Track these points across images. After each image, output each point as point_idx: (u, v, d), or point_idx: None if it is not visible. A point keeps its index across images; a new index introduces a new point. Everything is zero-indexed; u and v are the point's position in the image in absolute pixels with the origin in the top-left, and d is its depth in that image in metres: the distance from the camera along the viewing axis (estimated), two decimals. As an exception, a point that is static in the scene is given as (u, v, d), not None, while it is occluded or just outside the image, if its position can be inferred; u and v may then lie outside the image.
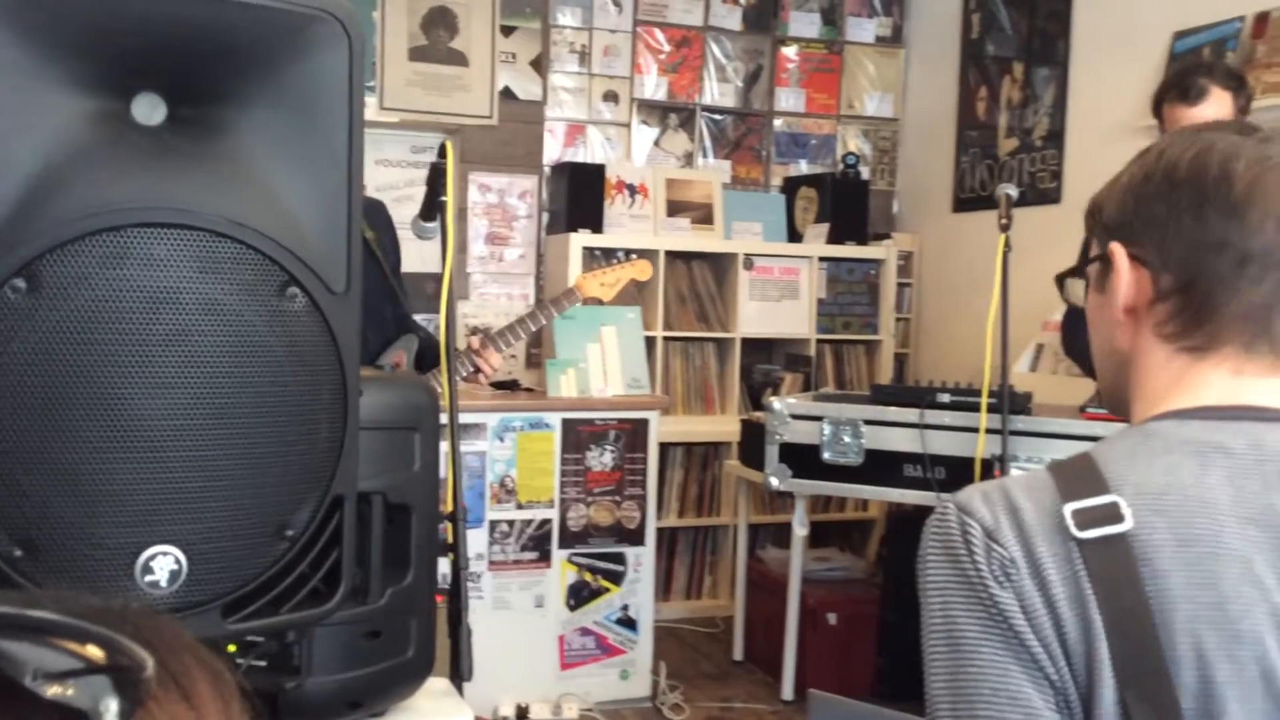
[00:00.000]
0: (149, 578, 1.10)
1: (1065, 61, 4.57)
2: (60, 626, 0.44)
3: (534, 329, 3.07)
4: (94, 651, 0.45)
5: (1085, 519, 0.82)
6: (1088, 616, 0.80)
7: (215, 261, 1.05)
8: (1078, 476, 0.86)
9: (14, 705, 0.42)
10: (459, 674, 1.90)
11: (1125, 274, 0.94)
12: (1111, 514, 0.82)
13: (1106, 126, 4.30)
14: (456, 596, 1.94)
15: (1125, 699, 0.78)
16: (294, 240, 1.09)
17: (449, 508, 2.00)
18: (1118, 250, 0.94)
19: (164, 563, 1.11)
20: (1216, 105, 2.75)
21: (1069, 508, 0.83)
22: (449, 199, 2.11)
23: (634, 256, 3.23)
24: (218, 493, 1.08)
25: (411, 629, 1.69)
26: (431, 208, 2.23)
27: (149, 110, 1.12)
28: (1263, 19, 3.71)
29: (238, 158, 1.08)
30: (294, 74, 1.10)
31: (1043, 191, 4.49)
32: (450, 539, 1.98)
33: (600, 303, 3.18)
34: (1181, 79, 2.80)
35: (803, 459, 3.03)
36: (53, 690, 0.42)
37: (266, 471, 1.10)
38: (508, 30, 4.88)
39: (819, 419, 3.01)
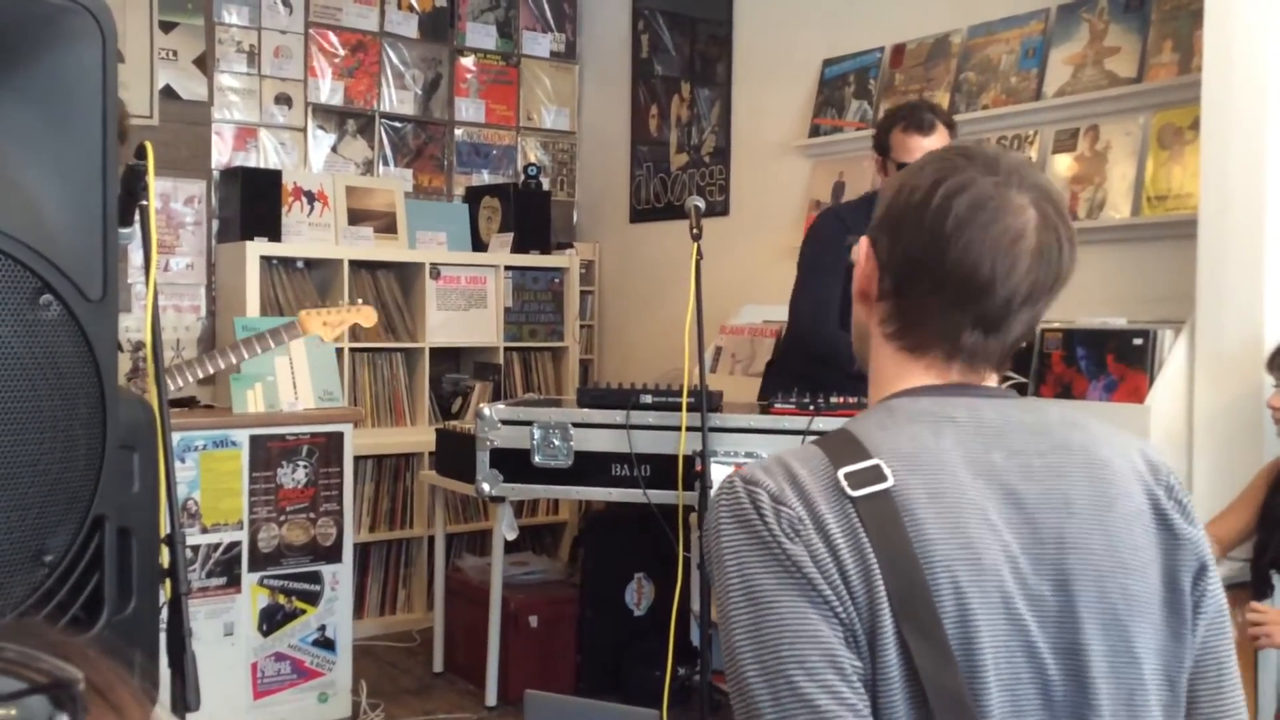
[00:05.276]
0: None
1: (728, 83, 4.90)
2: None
3: (235, 361, 2.89)
4: (33, 673, 0.44)
5: (856, 480, 0.97)
6: (866, 561, 0.94)
7: (-39, 267, 0.96)
8: (843, 446, 1.00)
9: None
10: (185, 705, 1.81)
11: (863, 262, 1.11)
12: (876, 475, 0.97)
13: (767, 144, 4.65)
14: (179, 623, 1.84)
15: (900, 627, 0.92)
16: (47, 245, 1.01)
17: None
18: (864, 242, 1.11)
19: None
20: (939, 139, 3.10)
21: (842, 472, 0.97)
22: (151, 203, 1.99)
23: (360, 302, 3.16)
24: (-33, 519, 0.99)
25: (135, 661, 1.61)
26: (128, 212, 2.10)
27: None
28: (899, 50, 4.15)
29: (-16, 154, 0.99)
30: (43, 68, 1.02)
31: (712, 205, 4.79)
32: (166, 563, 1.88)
33: (322, 341, 3.07)
34: (913, 113, 3.13)
35: (514, 464, 3.08)
36: (2, 713, 0.41)
37: (21, 492, 1.01)
38: (168, 26, 4.61)
39: (529, 424, 3.07)
